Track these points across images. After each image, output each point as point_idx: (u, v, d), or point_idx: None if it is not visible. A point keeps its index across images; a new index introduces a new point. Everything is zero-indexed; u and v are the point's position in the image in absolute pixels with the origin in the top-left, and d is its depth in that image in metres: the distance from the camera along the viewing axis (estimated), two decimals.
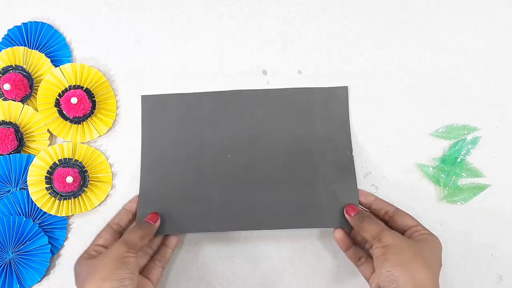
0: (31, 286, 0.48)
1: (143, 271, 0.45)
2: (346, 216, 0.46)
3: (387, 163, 0.51)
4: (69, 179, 0.47)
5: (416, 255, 0.39)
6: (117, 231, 0.46)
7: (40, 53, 0.51)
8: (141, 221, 0.46)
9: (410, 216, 0.45)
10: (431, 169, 0.51)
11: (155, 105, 0.51)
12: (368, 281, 0.44)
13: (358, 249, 0.46)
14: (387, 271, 0.38)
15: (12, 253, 0.48)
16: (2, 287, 0.47)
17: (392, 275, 0.38)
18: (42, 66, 0.51)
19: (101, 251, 0.43)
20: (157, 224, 0.45)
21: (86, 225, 0.50)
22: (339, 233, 0.46)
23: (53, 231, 0.49)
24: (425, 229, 0.43)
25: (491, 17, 0.54)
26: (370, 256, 0.45)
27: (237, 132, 0.49)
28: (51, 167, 0.49)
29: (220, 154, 0.49)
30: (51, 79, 0.50)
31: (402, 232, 0.44)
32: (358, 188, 0.48)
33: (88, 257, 0.42)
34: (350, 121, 0.51)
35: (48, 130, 0.50)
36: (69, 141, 0.50)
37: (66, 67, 0.50)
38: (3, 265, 0.47)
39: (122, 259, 0.39)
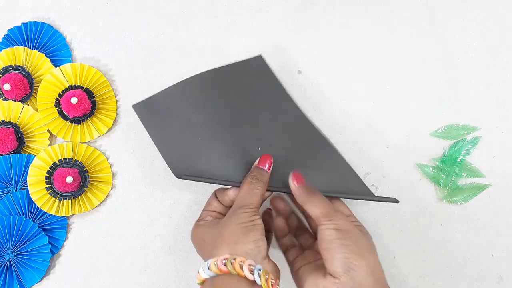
0: (31, 286, 0.48)
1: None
2: (291, 184, 0.42)
3: (387, 163, 0.51)
4: (69, 179, 0.47)
5: (370, 246, 0.38)
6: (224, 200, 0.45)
7: (40, 53, 0.51)
8: (256, 170, 0.43)
9: (344, 204, 0.44)
10: (431, 169, 0.51)
11: (152, 108, 0.48)
12: (290, 264, 0.43)
13: (291, 236, 0.45)
14: (344, 257, 0.36)
15: (12, 253, 0.48)
16: (2, 287, 0.47)
17: (351, 263, 0.36)
18: (42, 66, 0.51)
19: (216, 215, 0.43)
20: (270, 170, 0.43)
21: (86, 225, 0.50)
22: (281, 221, 0.44)
23: (53, 231, 0.49)
24: (358, 220, 0.42)
25: (491, 17, 0.54)
26: (295, 245, 0.44)
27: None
28: (51, 167, 0.49)
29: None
30: (51, 79, 0.50)
31: None
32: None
33: (207, 224, 0.42)
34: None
35: (48, 130, 0.50)
36: (69, 141, 0.50)
37: (66, 67, 0.50)
38: (3, 265, 0.47)
39: (249, 224, 0.38)
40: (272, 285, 0.36)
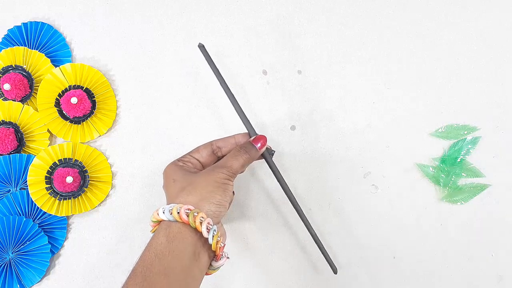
0: (31, 286, 0.48)
1: None
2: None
3: (387, 163, 0.51)
4: (69, 179, 0.47)
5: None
6: (214, 154, 0.45)
7: (40, 53, 0.51)
8: (248, 142, 0.43)
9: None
10: (431, 169, 0.51)
11: None
12: None
13: None
14: None
15: (12, 253, 0.48)
16: (2, 287, 0.47)
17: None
18: (42, 66, 0.51)
19: (196, 164, 0.44)
20: (262, 150, 0.43)
21: (86, 225, 0.50)
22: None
23: (53, 231, 0.49)
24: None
25: (491, 17, 0.54)
26: None
27: None
28: (51, 167, 0.49)
29: None
30: (51, 79, 0.50)
31: None
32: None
33: (185, 167, 0.43)
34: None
35: (48, 130, 0.50)
36: (69, 141, 0.50)
37: (66, 67, 0.50)
38: (3, 265, 0.47)
39: (222, 185, 0.40)
40: (220, 248, 0.38)
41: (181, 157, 0.44)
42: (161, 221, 0.38)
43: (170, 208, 0.37)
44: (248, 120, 0.44)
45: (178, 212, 0.37)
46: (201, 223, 0.37)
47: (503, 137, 0.52)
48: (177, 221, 0.37)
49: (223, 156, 0.45)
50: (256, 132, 0.44)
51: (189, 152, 0.45)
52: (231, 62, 0.53)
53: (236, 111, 0.44)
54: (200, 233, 0.37)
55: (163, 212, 0.38)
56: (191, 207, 0.37)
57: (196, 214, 0.37)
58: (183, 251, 0.37)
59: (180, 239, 0.37)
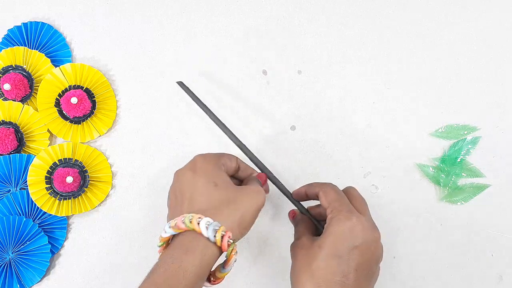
0: (31, 286, 0.48)
1: None
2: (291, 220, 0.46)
3: (387, 163, 0.51)
4: (69, 179, 0.47)
5: (302, 266, 0.38)
6: (234, 171, 0.43)
7: (40, 53, 0.51)
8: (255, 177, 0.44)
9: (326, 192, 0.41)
10: (431, 169, 0.51)
11: None
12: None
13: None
14: None
15: (12, 253, 0.48)
16: (2, 287, 0.47)
17: None
18: (42, 66, 0.51)
19: (230, 169, 0.42)
20: (265, 187, 0.44)
21: (86, 225, 0.50)
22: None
23: (53, 231, 0.49)
24: (334, 209, 0.39)
25: (491, 17, 0.54)
26: None
27: None
28: (51, 167, 0.49)
29: None
30: (51, 79, 0.50)
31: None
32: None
33: (222, 169, 0.40)
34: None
35: (48, 130, 0.50)
36: (69, 141, 0.50)
37: (66, 67, 0.50)
38: (3, 265, 0.47)
39: (258, 211, 0.39)
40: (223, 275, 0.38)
41: (220, 155, 0.42)
42: (199, 232, 0.35)
43: (216, 228, 0.35)
44: (255, 156, 0.44)
45: (222, 236, 0.35)
46: (229, 245, 0.35)
47: (503, 137, 0.52)
48: (215, 243, 0.35)
49: (235, 175, 0.44)
50: (252, 151, 0.45)
51: (225, 154, 0.42)
52: (231, 62, 0.53)
53: (239, 147, 0.44)
54: (221, 253, 0.36)
55: (206, 228, 0.35)
56: (232, 236, 0.35)
57: (235, 246, 0.36)
58: (206, 273, 0.36)
59: (211, 265, 0.36)
